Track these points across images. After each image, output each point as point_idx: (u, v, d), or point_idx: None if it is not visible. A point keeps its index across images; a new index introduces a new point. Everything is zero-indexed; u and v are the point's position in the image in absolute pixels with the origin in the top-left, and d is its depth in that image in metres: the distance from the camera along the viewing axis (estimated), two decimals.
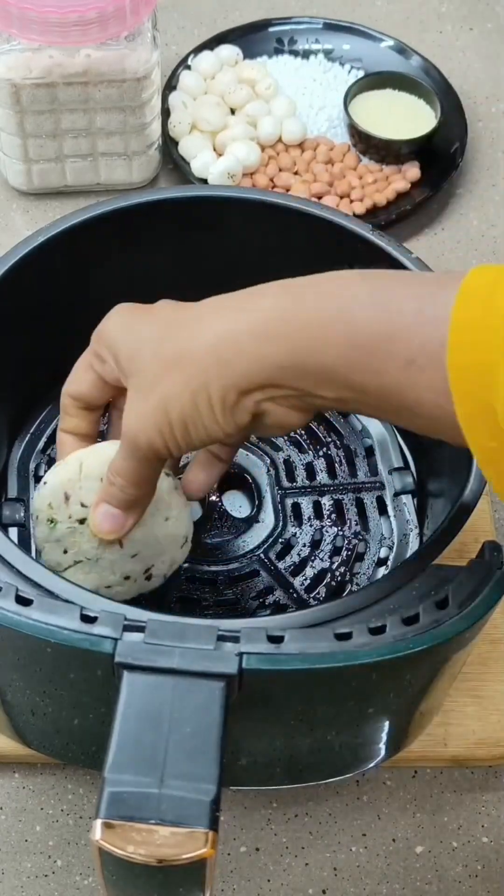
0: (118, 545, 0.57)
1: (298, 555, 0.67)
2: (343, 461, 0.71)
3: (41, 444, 0.71)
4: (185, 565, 0.66)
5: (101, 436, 0.69)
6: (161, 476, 0.57)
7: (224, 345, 0.48)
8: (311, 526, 0.69)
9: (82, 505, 0.57)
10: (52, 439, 0.71)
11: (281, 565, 0.67)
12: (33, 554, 0.65)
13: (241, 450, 0.71)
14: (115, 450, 0.56)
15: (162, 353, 0.49)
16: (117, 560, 0.58)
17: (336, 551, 0.68)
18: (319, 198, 0.88)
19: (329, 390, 0.48)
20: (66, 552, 0.58)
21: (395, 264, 0.64)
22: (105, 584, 0.59)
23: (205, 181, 0.88)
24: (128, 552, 0.58)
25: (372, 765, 0.59)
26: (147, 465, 0.52)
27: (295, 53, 0.98)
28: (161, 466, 0.54)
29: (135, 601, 0.64)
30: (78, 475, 0.57)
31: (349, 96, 0.92)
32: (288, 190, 0.88)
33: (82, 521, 0.57)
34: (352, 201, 0.88)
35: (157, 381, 0.49)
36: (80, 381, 0.56)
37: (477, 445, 0.44)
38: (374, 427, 0.72)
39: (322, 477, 0.71)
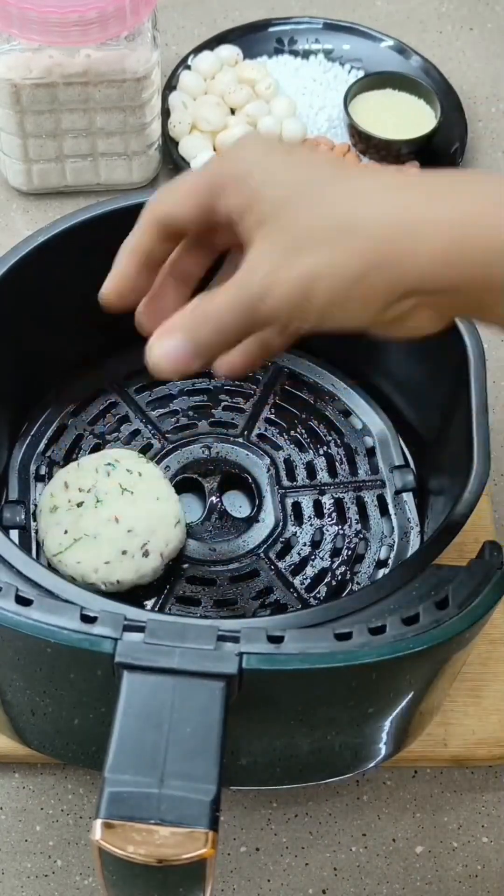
0: (115, 521, 0.64)
1: (299, 554, 0.67)
2: (344, 459, 0.71)
3: (42, 447, 0.71)
4: (186, 566, 0.66)
5: (106, 441, 0.69)
6: (150, 464, 0.66)
7: (410, 234, 0.40)
8: (311, 525, 0.69)
9: (80, 490, 0.65)
10: (52, 441, 0.71)
11: (281, 565, 0.67)
12: (34, 554, 0.65)
13: (240, 449, 0.71)
14: (107, 457, 0.66)
15: (325, 214, 0.41)
16: (114, 536, 0.63)
17: (336, 550, 0.68)
18: None
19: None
20: (66, 532, 0.64)
21: None
22: (104, 559, 0.63)
23: None
24: (123, 528, 0.64)
25: (372, 765, 0.59)
26: (252, 327, 0.44)
27: (295, 53, 0.98)
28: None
29: (135, 601, 0.64)
30: (76, 468, 0.66)
31: (349, 96, 0.92)
32: None
33: (80, 504, 0.64)
34: None
35: (312, 246, 0.41)
36: (178, 203, 0.45)
37: None
38: (375, 425, 0.72)
39: (322, 476, 0.71)
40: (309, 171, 0.42)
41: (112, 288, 0.49)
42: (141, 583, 0.64)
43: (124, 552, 0.63)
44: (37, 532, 0.66)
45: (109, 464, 0.66)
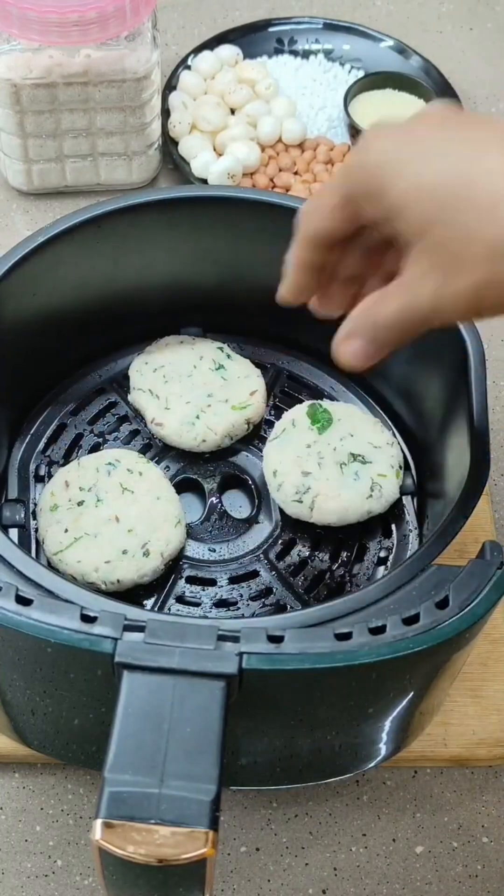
0: (115, 520, 0.64)
1: (298, 555, 0.67)
2: None
3: (41, 445, 0.71)
4: (186, 566, 0.66)
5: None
6: (150, 464, 0.67)
7: None
8: (310, 526, 0.69)
9: (80, 489, 0.65)
10: (52, 440, 0.71)
11: (281, 565, 0.67)
12: (33, 554, 0.65)
13: (241, 451, 0.71)
14: (108, 456, 0.66)
15: (488, 227, 0.42)
16: (115, 535, 0.64)
17: (336, 552, 0.68)
18: None
19: None
20: (66, 531, 0.64)
21: None
22: (105, 558, 0.63)
23: (205, 181, 0.88)
24: (124, 527, 0.64)
25: (372, 765, 0.59)
26: (423, 331, 0.47)
27: (295, 53, 0.98)
28: None
29: (135, 601, 0.64)
30: (77, 467, 0.67)
31: (349, 96, 0.92)
32: (288, 190, 0.88)
33: (80, 503, 0.65)
34: None
35: (477, 261, 0.42)
36: (325, 218, 0.48)
37: None
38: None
39: None
40: (445, 164, 0.42)
41: (286, 295, 0.53)
42: (141, 582, 0.64)
43: (125, 552, 0.63)
44: (37, 531, 0.66)
45: (110, 463, 0.66)
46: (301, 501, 0.66)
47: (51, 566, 0.63)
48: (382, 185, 0.44)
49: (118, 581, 0.63)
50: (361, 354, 0.49)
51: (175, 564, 0.66)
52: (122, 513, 0.64)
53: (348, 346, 0.49)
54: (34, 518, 0.67)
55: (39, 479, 0.69)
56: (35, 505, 0.68)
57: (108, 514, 0.64)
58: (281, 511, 0.68)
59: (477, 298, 0.43)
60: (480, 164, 0.42)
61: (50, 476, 0.69)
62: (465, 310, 0.44)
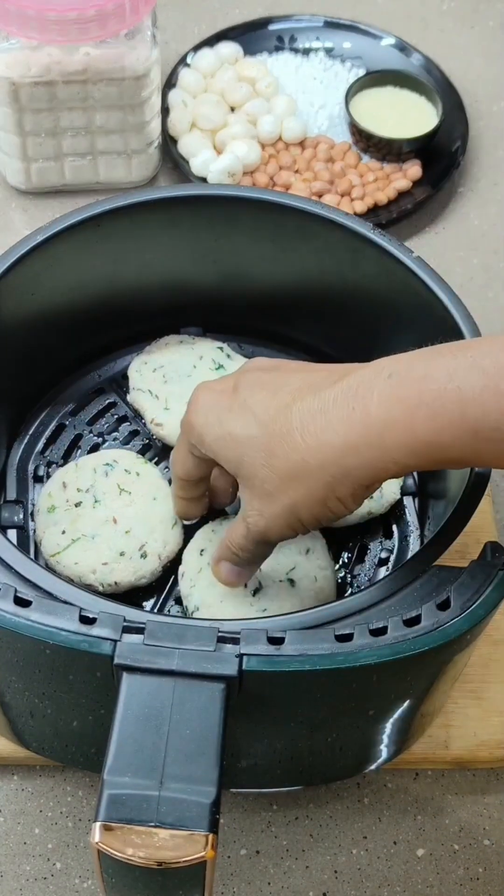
0: (113, 522, 0.64)
1: None
2: None
3: (40, 446, 0.70)
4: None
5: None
6: (149, 465, 0.67)
7: (343, 459, 0.49)
8: None
9: (78, 490, 0.65)
10: (51, 441, 0.71)
11: None
12: (32, 555, 0.65)
13: None
14: (106, 457, 0.66)
15: (275, 466, 0.51)
16: (112, 537, 0.63)
17: (336, 553, 0.67)
18: (320, 196, 0.88)
19: (454, 467, 0.53)
20: (64, 533, 0.63)
21: (396, 263, 0.63)
22: (102, 560, 0.63)
23: (204, 180, 0.88)
24: (121, 528, 0.64)
25: (373, 767, 0.59)
26: (271, 547, 0.56)
27: (295, 51, 0.98)
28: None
29: (134, 602, 0.64)
30: (74, 468, 0.66)
31: (350, 94, 0.92)
32: (288, 188, 0.88)
33: (78, 505, 0.64)
34: (352, 200, 0.88)
35: (278, 491, 0.51)
36: (184, 465, 0.59)
37: None
38: None
39: None
40: (255, 429, 0.52)
41: (179, 515, 0.65)
42: (139, 584, 0.63)
43: (122, 553, 0.63)
44: (35, 532, 0.66)
45: (108, 464, 0.66)
46: None
47: (48, 568, 0.63)
48: (202, 437, 0.55)
49: (116, 583, 0.62)
50: (232, 574, 0.58)
51: (174, 566, 0.65)
52: (119, 514, 0.64)
53: (220, 570, 0.58)
54: (32, 519, 0.67)
55: (38, 480, 0.69)
56: (34, 506, 0.67)
57: (106, 515, 0.64)
58: None
59: (292, 517, 0.52)
60: (274, 424, 0.51)
61: (48, 477, 0.68)
62: (289, 527, 0.53)
